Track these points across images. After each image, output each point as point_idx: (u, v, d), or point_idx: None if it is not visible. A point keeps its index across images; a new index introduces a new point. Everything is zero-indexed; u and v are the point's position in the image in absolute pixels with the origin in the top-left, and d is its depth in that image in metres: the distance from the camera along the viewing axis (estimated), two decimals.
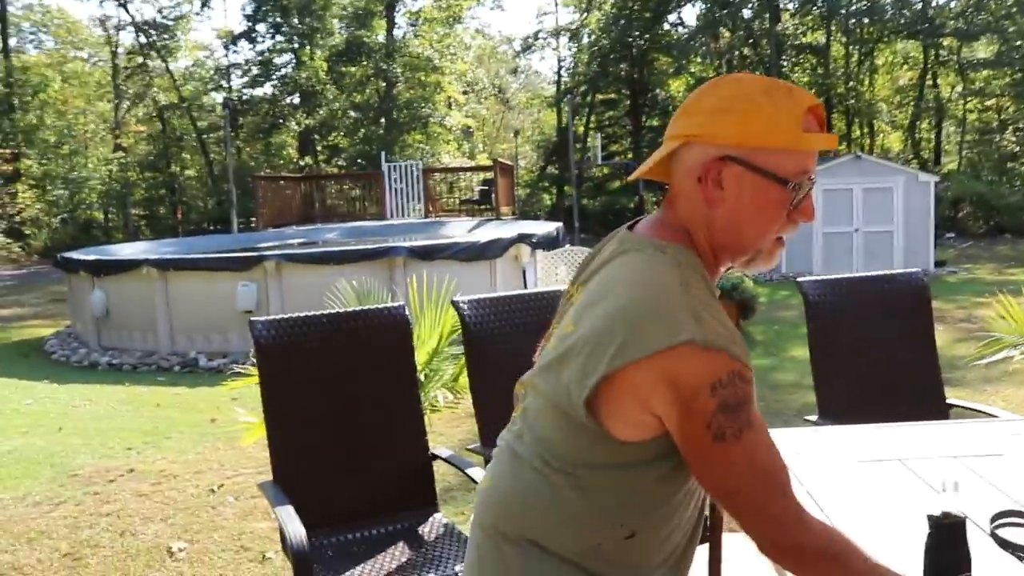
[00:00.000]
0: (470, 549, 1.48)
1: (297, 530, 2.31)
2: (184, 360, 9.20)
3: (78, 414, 7.10)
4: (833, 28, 30.60)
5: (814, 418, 3.18)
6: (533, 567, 1.37)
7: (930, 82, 30.96)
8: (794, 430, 2.74)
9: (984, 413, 3.08)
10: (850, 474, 2.22)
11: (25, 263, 30.14)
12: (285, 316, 2.82)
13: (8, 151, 33.40)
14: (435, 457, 2.92)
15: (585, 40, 36.16)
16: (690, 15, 49.07)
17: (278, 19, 33.56)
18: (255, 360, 2.79)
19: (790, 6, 30.44)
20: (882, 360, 3.24)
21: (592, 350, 1.25)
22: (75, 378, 8.78)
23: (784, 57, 29.96)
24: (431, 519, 2.84)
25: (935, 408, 3.24)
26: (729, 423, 1.21)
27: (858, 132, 33.81)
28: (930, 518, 1.36)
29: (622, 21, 33.97)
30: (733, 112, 1.28)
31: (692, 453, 1.26)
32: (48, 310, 15.20)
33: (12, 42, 35.88)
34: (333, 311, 2.94)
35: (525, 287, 9.69)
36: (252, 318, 2.78)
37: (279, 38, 34.23)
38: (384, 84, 33.96)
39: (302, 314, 2.85)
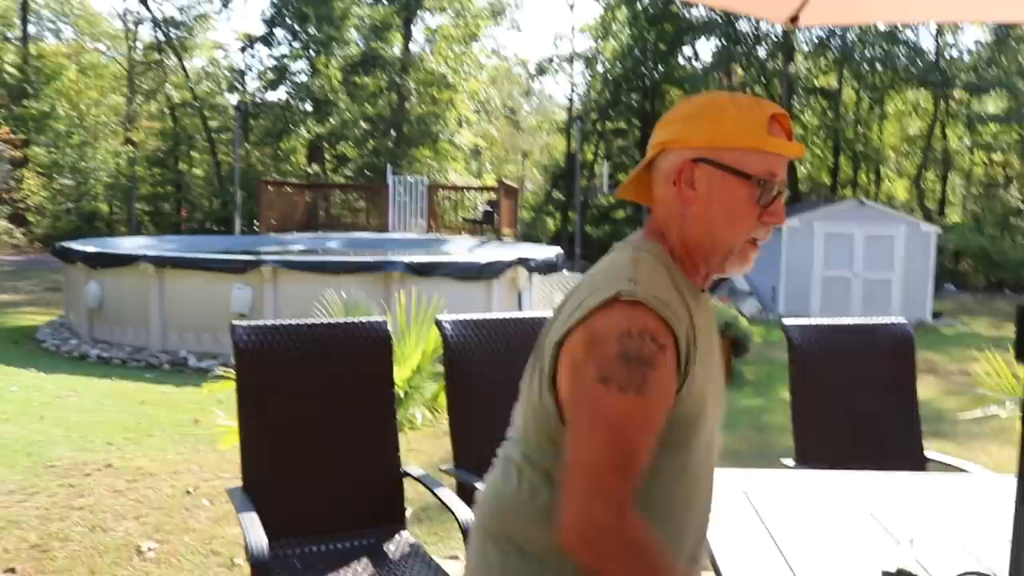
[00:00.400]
0: (467, 554, 1.53)
1: (258, 537, 2.29)
2: (174, 358, 9.18)
3: (62, 405, 7.08)
4: (846, 73, 30.77)
5: (790, 462, 3.17)
6: (512, 567, 1.38)
7: (939, 132, 31.08)
8: (770, 471, 2.73)
9: (959, 469, 3.07)
10: (816, 520, 2.21)
11: (26, 250, 30.16)
12: (266, 323, 2.82)
13: (18, 137, 33.52)
14: (406, 475, 2.91)
15: (599, 68, 36.35)
16: (705, 50, 49.38)
17: (296, 26, 33.74)
18: (234, 364, 2.78)
19: (805, 48, 30.61)
20: (862, 408, 3.23)
21: (555, 328, 1.34)
22: (63, 368, 8.76)
23: (795, 98, 30.09)
24: (397, 537, 2.82)
25: (912, 460, 3.22)
26: (621, 372, 1.21)
27: (864, 178, 33.90)
28: (885, 574, 1.36)
29: (637, 52, 34.17)
30: (703, 117, 1.37)
31: (571, 397, 1.27)
32: (44, 298, 15.19)
33: (31, 29, 36.05)
34: (314, 321, 2.93)
35: (520, 310, 9.68)
36: (233, 322, 2.78)
37: (296, 44, 34.41)
38: (397, 97, 34.11)
39: (283, 322, 2.84)
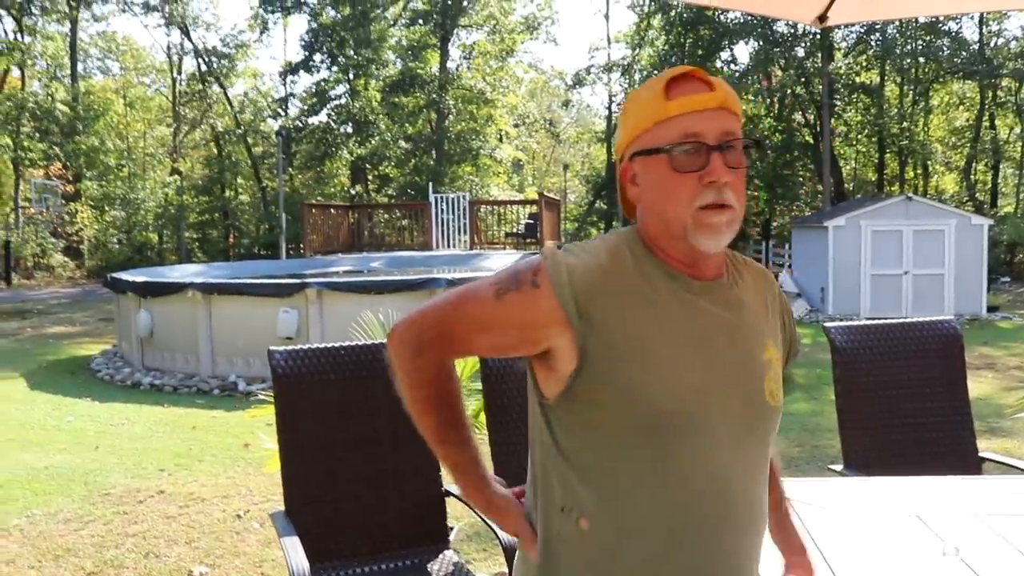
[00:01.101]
0: None
1: (300, 561, 2.30)
2: (223, 383, 9.30)
3: (116, 433, 7.21)
4: (887, 68, 30.30)
5: (839, 467, 3.10)
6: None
7: (987, 123, 30.42)
8: (815, 480, 2.68)
9: (1018, 469, 2.97)
10: (865, 529, 2.15)
11: (81, 282, 30.88)
12: (303, 347, 2.84)
13: (70, 173, 34.40)
14: (448, 493, 2.90)
15: (636, 76, 36.23)
16: (742, 52, 48.98)
17: (334, 50, 34.18)
18: (273, 389, 2.81)
19: (843, 45, 30.20)
20: (911, 410, 3.15)
21: None
22: (117, 397, 8.93)
23: (837, 97, 29.69)
24: (441, 556, 2.81)
25: (966, 461, 3.14)
26: (496, 276, 1.35)
27: (912, 173, 33.31)
28: None
29: (674, 58, 34.00)
30: (622, 117, 1.40)
31: None
32: (97, 329, 15.51)
33: (80, 68, 37.02)
34: (351, 344, 2.94)
35: None
36: (271, 348, 2.80)
37: (335, 68, 34.86)
38: (436, 116, 34.36)
39: (320, 345, 2.86)
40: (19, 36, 34.10)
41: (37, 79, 37.02)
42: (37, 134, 33.47)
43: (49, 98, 33.55)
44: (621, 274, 1.32)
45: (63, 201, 32.95)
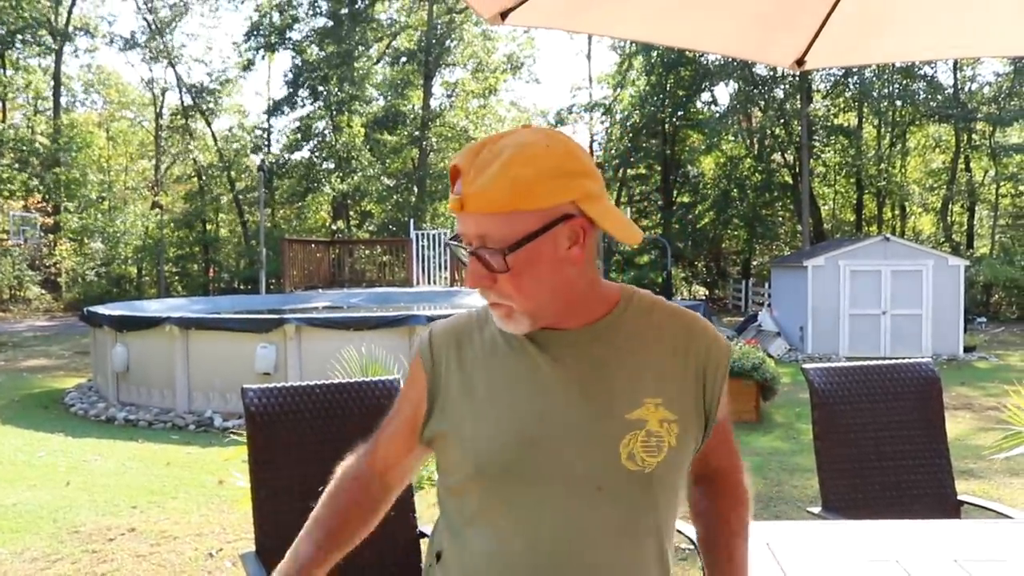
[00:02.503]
0: None
1: None
2: (199, 419, 9.18)
3: (88, 469, 7.09)
4: (865, 110, 30.80)
5: (817, 509, 3.08)
6: None
7: (963, 166, 30.91)
8: (794, 523, 2.66)
9: (997, 513, 2.97)
10: (845, 574, 2.13)
11: (58, 315, 30.57)
12: (278, 385, 2.80)
13: (50, 205, 34.21)
14: (423, 535, 2.85)
15: (618, 115, 36.61)
16: (723, 94, 49.63)
17: (318, 86, 34.34)
18: (245, 428, 2.76)
19: (822, 87, 30.68)
20: (889, 453, 3.14)
21: None
22: (90, 432, 8.79)
23: (816, 138, 30.11)
24: None
25: (945, 504, 3.13)
26: None
27: (889, 214, 33.70)
28: None
29: (655, 98, 34.40)
30: None
31: None
32: (73, 362, 15.34)
33: (63, 100, 36.98)
34: (327, 382, 2.91)
35: None
36: (244, 386, 2.76)
37: (318, 104, 34.99)
38: (419, 153, 34.51)
39: (296, 384, 2.82)
40: (0, 70, 34.06)
41: (18, 111, 36.95)
42: (16, 165, 33.30)
43: (30, 130, 33.44)
44: (474, 329, 1.38)
45: (42, 233, 32.72)
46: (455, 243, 1.29)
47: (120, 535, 5.25)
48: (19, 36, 33.48)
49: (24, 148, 33.00)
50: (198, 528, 5.37)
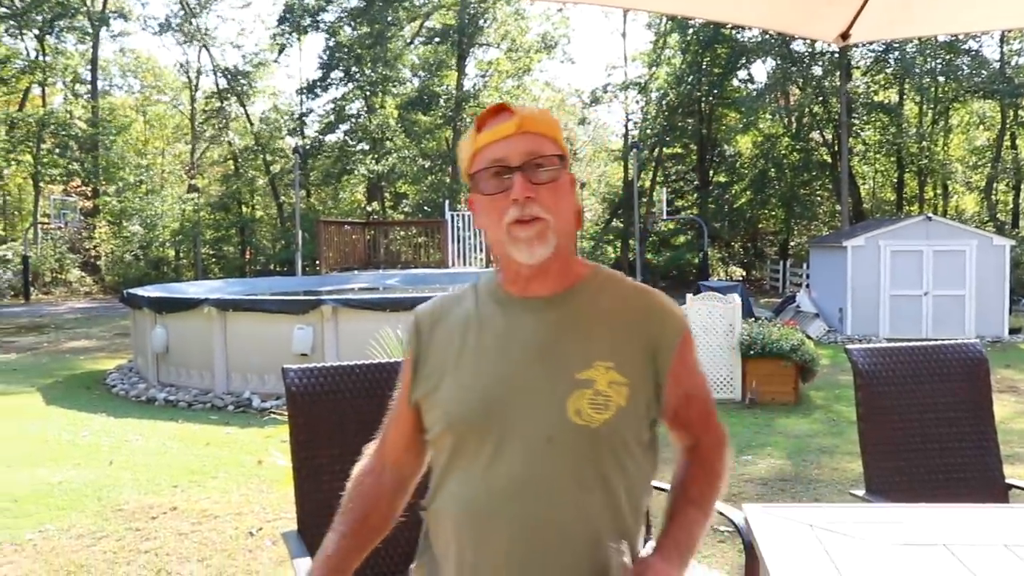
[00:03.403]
0: None
1: None
2: (238, 400, 9.28)
3: (130, 448, 7.20)
4: (907, 87, 30.21)
5: (860, 492, 3.03)
6: None
7: (1008, 143, 30.24)
8: (837, 506, 2.61)
9: None
10: (892, 558, 2.09)
11: (98, 297, 31.06)
12: (318, 365, 2.80)
13: (89, 188, 34.72)
14: None
15: (654, 94, 36.28)
16: (760, 72, 49.00)
17: (351, 67, 34.37)
18: (286, 408, 2.77)
19: (862, 64, 30.14)
20: (935, 435, 3.08)
21: None
22: (131, 412, 8.93)
23: (855, 116, 29.61)
24: None
25: (993, 488, 3.06)
26: None
27: (931, 193, 33.15)
28: None
29: (691, 76, 34.02)
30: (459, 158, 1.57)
31: None
32: (113, 344, 15.58)
33: (101, 85, 37.42)
34: (366, 362, 2.90)
35: None
36: (284, 366, 2.77)
37: (351, 86, 35.04)
38: (453, 133, 34.47)
39: (335, 363, 2.82)
40: (40, 55, 34.50)
41: (59, 95, 37.43)
42: (57, 150, 33.79)
43: (69, 115, 33.88)
44: (455, 302, 1.58)
45: (81, 217, 33.23)
46: (495, 167, 1.44)
47: (162, 513, 5.32)
48: (57, 23, 33.89)
49: (64, 133, 33.47)
50: (238, 507, 5.43)
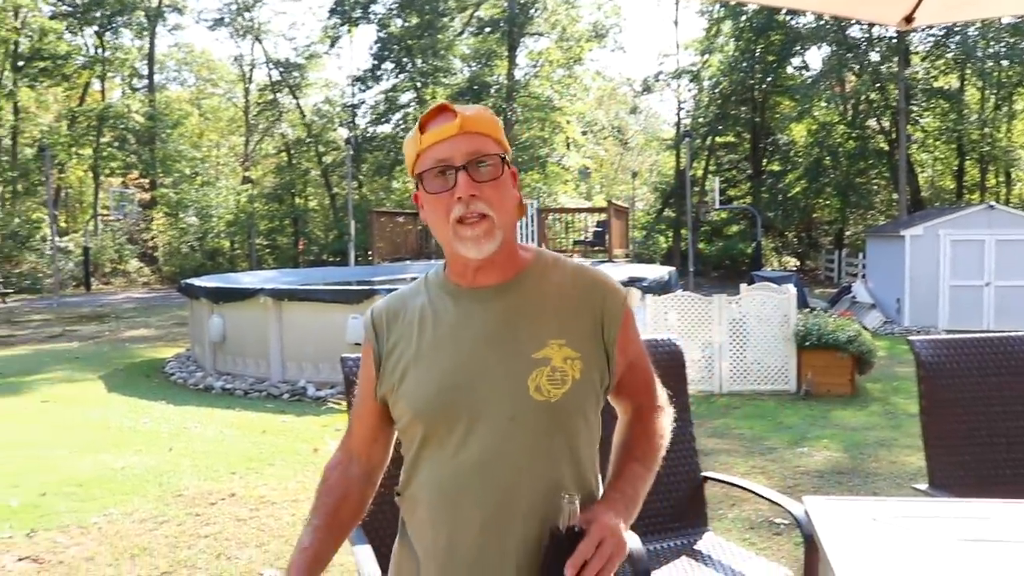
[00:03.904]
0: None
1: (371, 571, 2.29)
2: (293, 388, 9.41)
3: (189, 435, 7.34)
4: (968, 72, 29.43)
5: (923, 487, 2.97)
6: None
7: None
8: (900, 500, 2.56)
9: None
10: (955, 554, 2.05)
11: (156, 287, 31.71)
12: None
13: (147, 181, 35.43)
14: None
15: (706, 82, 35.87)
16: (815, 58, 48.15)
17: (402, 59, 34.51)
18: (345, 396, 2.80)
19: (921, 49, 29.44)
20: (1003, 430, 3.01)
21: None
22: (190, 400, 9.10)
23: (914, 102, 28.94)
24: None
25: None
26: None
27: (993, 181, 32.31)
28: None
29: (744, 64, 33.57)
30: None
31: None
32: (171, 333, 15.90)
33: (157, 79, 38.12)
34: None
35: None
36: (343, 355, 2.79)
37: (402, 77, 35.19)
38: (503, 124, 34.43)
39: None
40: (99, 51, 35.25)
41: (117, 89, 38.22)
42: (115, 144, 34.52)
43: (127, 109, 34.60)
44: (409, 297, 1.64)
45: (139, 208, 33.94)
46: (439, 167, 1.48)
47: (221, 499, 5.42)
48: (116, 19, 34.60)
49: (122, 126, 34.20)
50: (294, 494, 5.51)
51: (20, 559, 4.45)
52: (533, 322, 1.53)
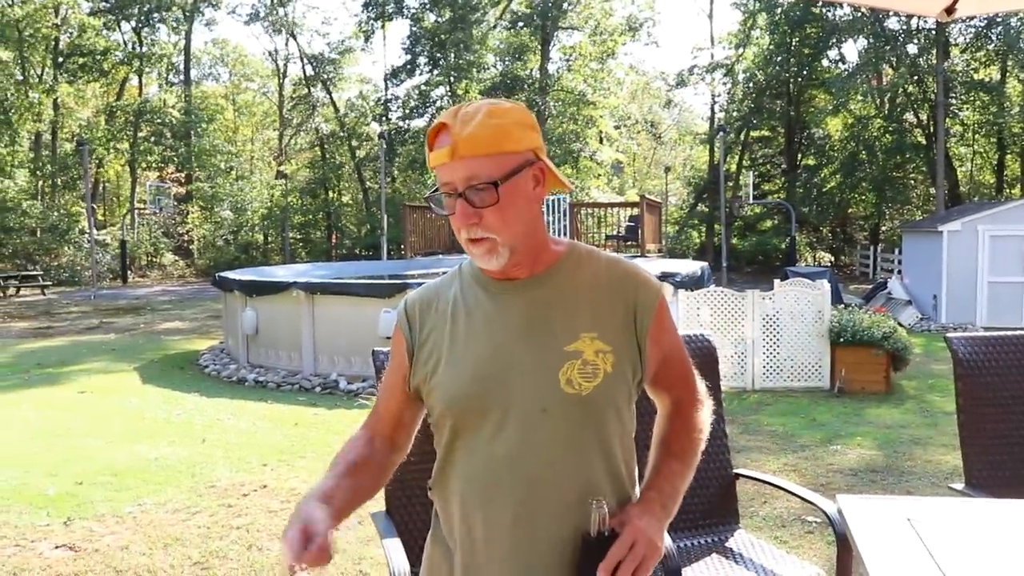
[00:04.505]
0: None
1: (401, 564, 2.29)
2: (325, 381, 9.47)
3: (221, 427, 7.41)
4: (1010, 63, 28.90)
5: (960, 486, 2.92)
6: None
7: None
8: (937, 499, 2.52)
9: None
10: (993, 555, 2.01)
11: (190, 280, 32.06)
12: None
13: (183, 174, 35.84)
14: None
15: (740, 76, 35.55)
16: (851, 51, 47.54)
17: (435, 53, 34.55)
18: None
19: (960, 41, 28.95)
20: None
21: None
22: (223, 392, 9.19)
23: (953, 95, 28.47)
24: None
25: None
26: None
27: None
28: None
29: (779, 57, 33.24)
30: None
31: None
32: (205, 326, 16.07)
33: (193, 74, 38.50)
34: None
35: None
36: (375, 349, 2.80)
37: (435, 71, 35.24)
38: (536, 118, 34.40)
39: None
40: (137, 47, 35.67)
41: (154, 85, 38.65)
42: (152, 138, 34.94)
43: (163, 104, 34.99)
44: (443, 288, 1.64)
45: (175, 202, 34.34)
46: (437, 193, 1.50)
47: (253, 491, 5.47)
48: (153, 15, 35.00)
49: (159, 121, 34.61)
50: None
51: (57, 547, 4.52)
52: (566, 314, 1.54)
